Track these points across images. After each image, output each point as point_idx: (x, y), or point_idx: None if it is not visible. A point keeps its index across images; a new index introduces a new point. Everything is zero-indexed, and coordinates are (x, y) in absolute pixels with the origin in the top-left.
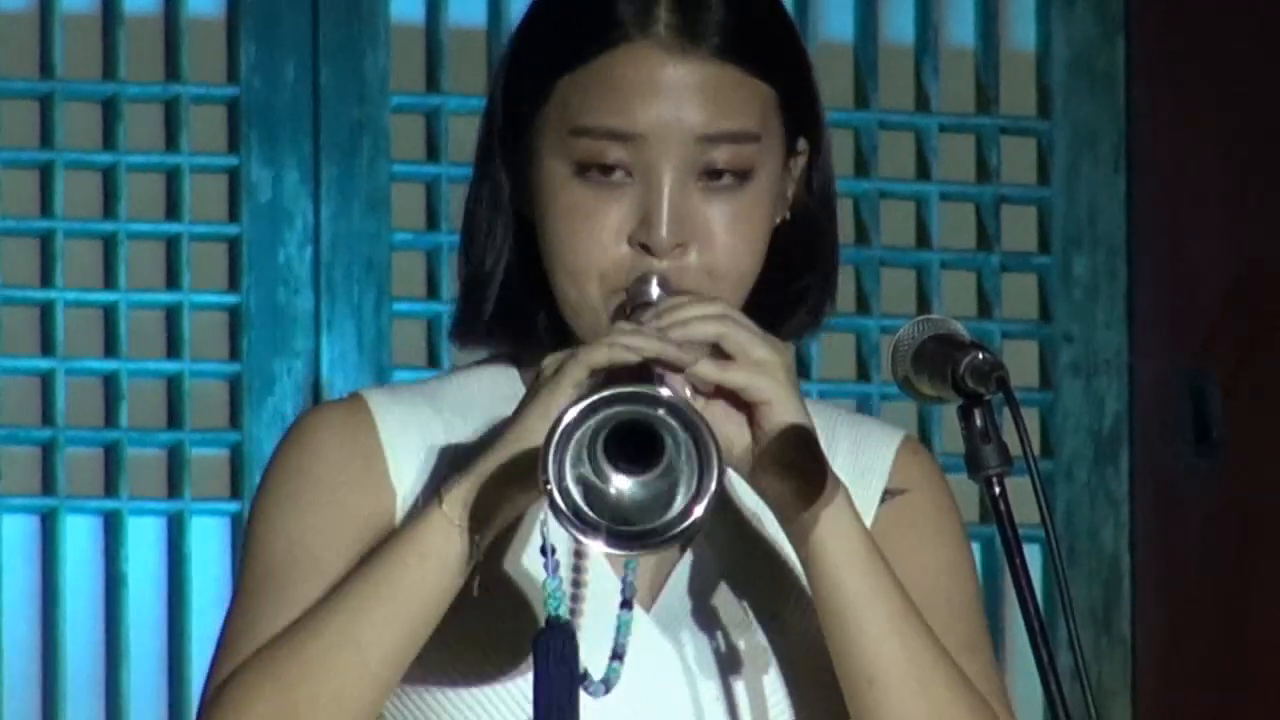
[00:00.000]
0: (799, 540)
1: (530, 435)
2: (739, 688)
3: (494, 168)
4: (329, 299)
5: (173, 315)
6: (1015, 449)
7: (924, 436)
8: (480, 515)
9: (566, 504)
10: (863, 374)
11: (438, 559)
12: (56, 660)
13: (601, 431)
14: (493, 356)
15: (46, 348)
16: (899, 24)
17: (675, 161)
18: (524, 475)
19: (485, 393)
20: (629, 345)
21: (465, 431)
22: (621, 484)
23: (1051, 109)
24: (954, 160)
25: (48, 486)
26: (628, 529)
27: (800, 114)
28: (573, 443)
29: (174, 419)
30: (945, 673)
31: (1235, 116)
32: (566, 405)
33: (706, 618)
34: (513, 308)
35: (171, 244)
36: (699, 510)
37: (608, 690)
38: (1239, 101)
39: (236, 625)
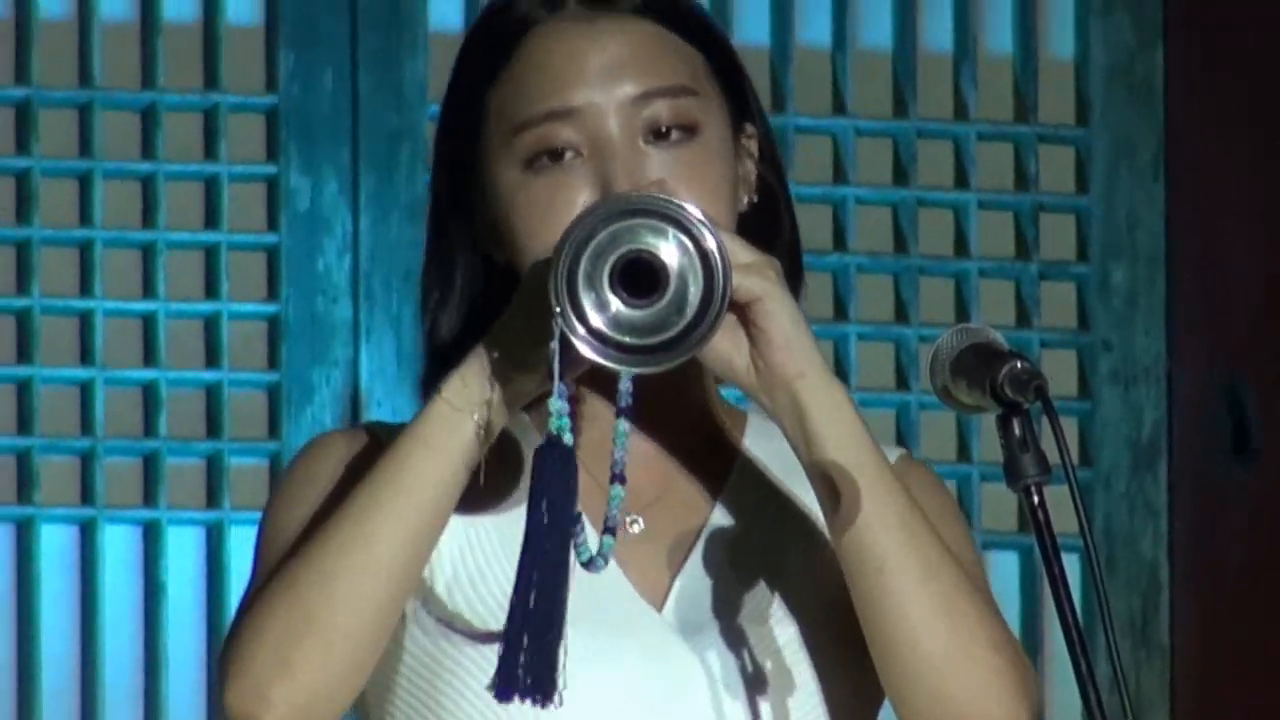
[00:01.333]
0: (807, 447)
1: (523, 317)
2: (767, 682)
3: (447, 223)
4: (368, 308)
5: (211, 325)
6: (1054, 458)
7: (962, 446)
8: (482, 399)
9: (576, 316)
10: (901, 383)
11: (443, 448)
12: (95, 670)
13: (607, 263)
14: None
15: (85, 357)
16: (937, 33)
17: (619, 124)
18: (522, 357)
19: None
20: (616, 198)
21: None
22: (629, 313)
23: (1090, 117)
24: (992, 169)
25: (87, 497)
26: (643, 342)
27: (735, 90)
28: (582, 263)
29: (213, 429)
30: (951, 567)
31: (1274, 124)
32: (568, 228)
33: (725, 611)
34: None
35: (210, 253)
36: (709, 315)
37: (605, 563)
38: (1278, 109)
39: (248, 597)
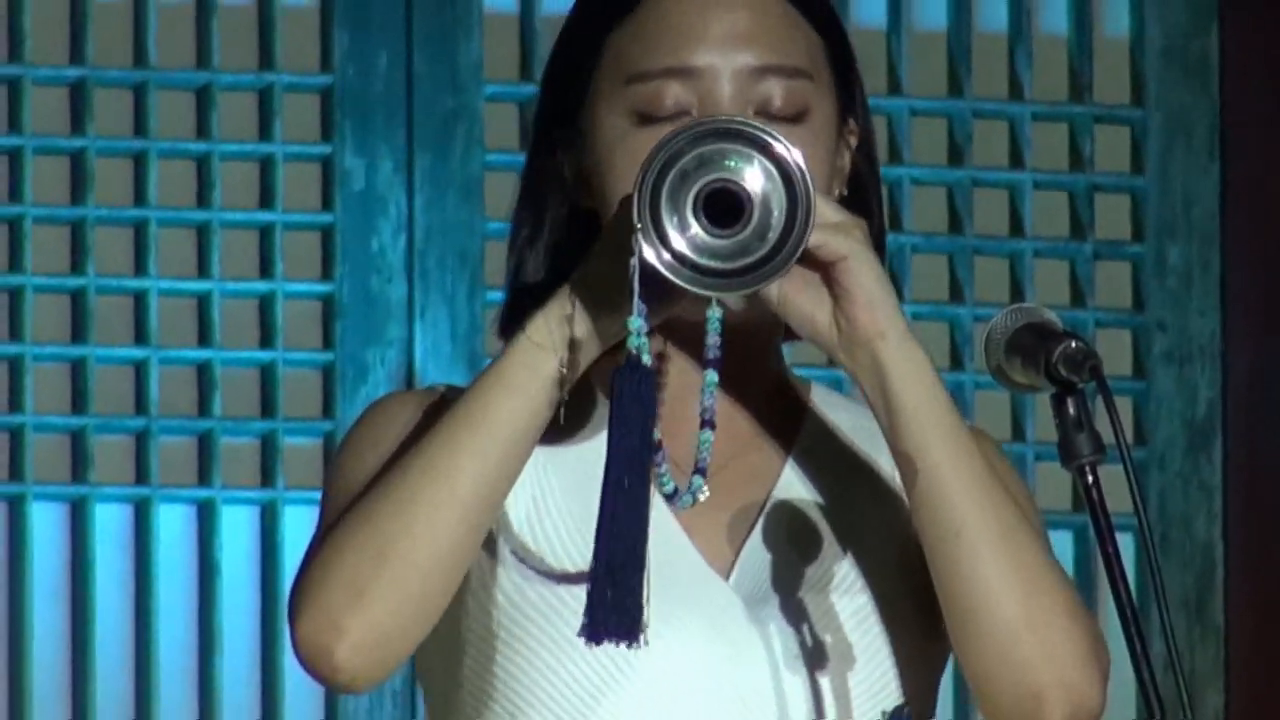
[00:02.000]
0: (886, 406)
1: (608, 257)
2: (829, 652)
3: (545, 160)
4: (422, 288)
5: (266, 304)
6: (1108, 437)
7: (1016, 425)
8: (565, 339)
9: (658, 238)
10: (956, 363)
11: (525, 387)
12: (150, 648)
13: (692, 190)
14: None
15: (140, 337)
16: (992, 12)
17: (732, 92)
18: (605, 297)
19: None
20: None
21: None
22: (709, 240)
23: (1145, 97)
24: (1047, 149)
25: (141, 476)
26: (724, 265)
27: (848, 84)
28: (665, 187)
29: (267, 408)
30: (1028, 532)
31: None
32: (651, 151)
33: (788, 582)
34: None
35: (265, 233)
36: (790, 242)
37: (694, 501)
38: None
39: (319, 535)
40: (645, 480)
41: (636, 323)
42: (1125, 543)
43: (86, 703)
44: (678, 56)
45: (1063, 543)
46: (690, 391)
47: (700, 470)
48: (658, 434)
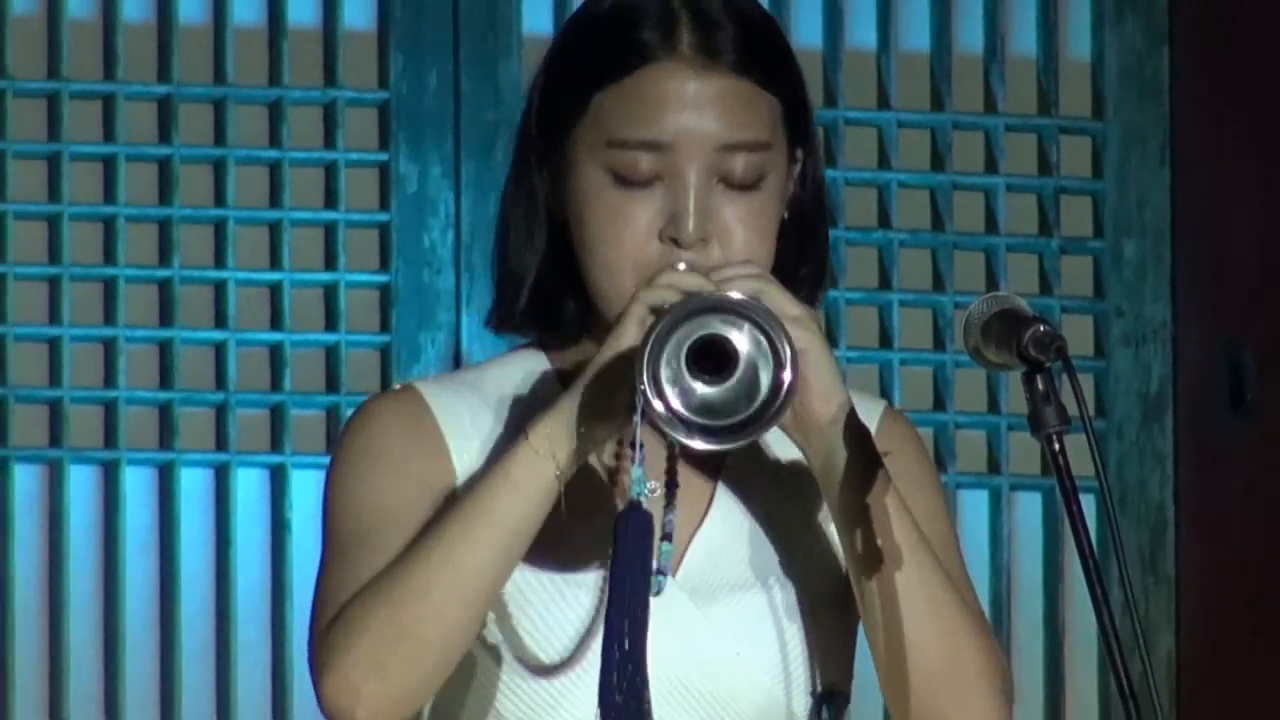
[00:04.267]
0: (830, 484)
1: (605, 374)
2: (765, 639)
3: (530, 176)
4: (468, 278)
5: (330, 293)
6: (1072, 410)
7: (991, 399)
8: (563, 447)
9: (663, 405)
10: (938, 344)
11: (527, 487)
12: (229, 596)
13: (684, 348)
14: (521, 345)
15: (220, 321)
16: (969, 36)
17: (699, 166)
18: (600, 410)
19: (522, 375)
20: (681, 284)
21: (506, 408)
22: (705, 391)
23: (1104, 111)
24: (1018, 156)
25: (221, 443)
26: (719, 423)
27: (799, 124)
28: (664, 355)
29: (331, 384)
30: (954, 595)
31: (1269, 116)
32: (654, 322)
33: (728, 576)
34: (544, 299)
35: (329, 230)
36: (779, 399)
37: (664, 578)
38: (1273, 103)
39: (333, 579)
40: (646, 602)
41: (637, 471)
42: (1088, 503)
43: (174, 645)
44: (653, 131)
45: (1032, 503)
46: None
47: (666, 537)
48: (641, 467)
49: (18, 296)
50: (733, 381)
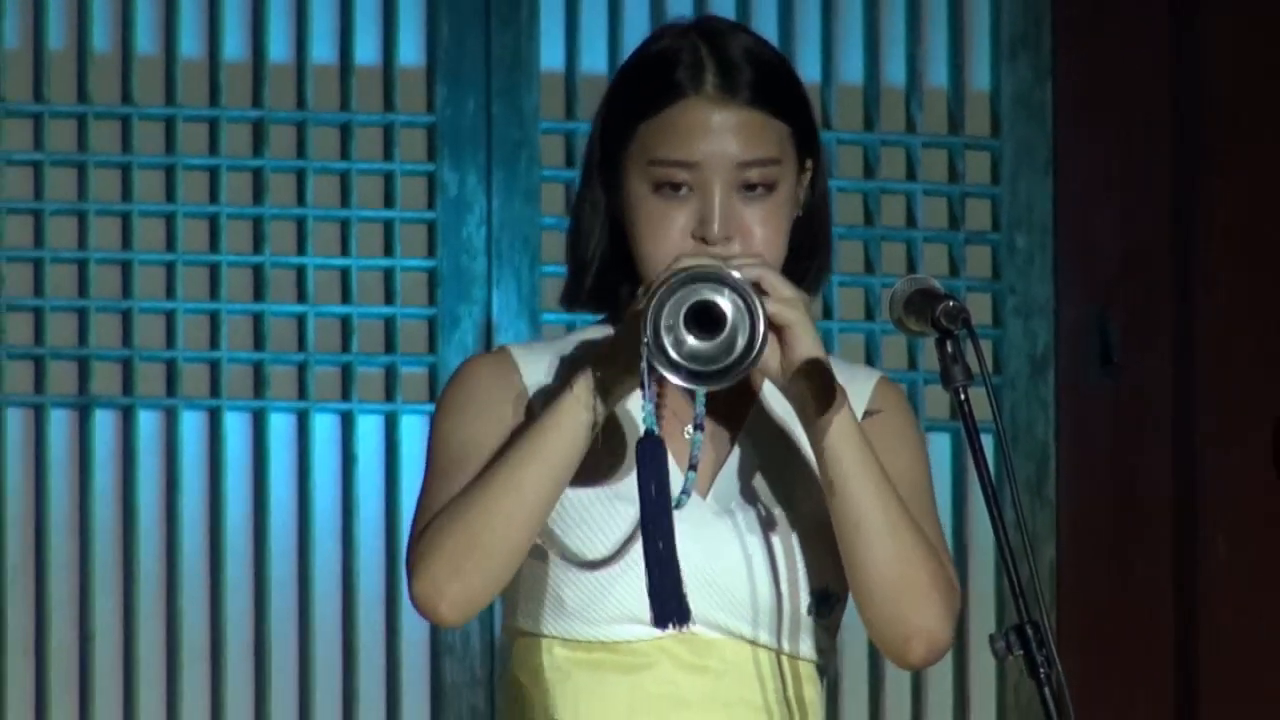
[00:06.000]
0: (814, 432)
1: (630, 338)
2: (775, 547)
3: (594, 186)
4: (498, 264)
5: (389, 275)
6: (975, 369)
7: (911, 360)
8: (598, 395)
9: (659, 351)
10: (869, 316)
11: (570, 427)
12: (309, 515)
13: (682, 309)
14: (599, 320)
15: (302, 297)
16: (894, 71)
17: (722, 179)
18: (625, 365)
19: (595, 342)
20: (697, 263)
21: (576, 367)
22: (695, 344)
23: (1001, 131)
24: (934, 166)
25: (303, 394)
26: (706, 369)
27: (807, 143)
28: (664, 311)
29: (389, 347)
30: (909, 522)
31: (1130, 135)
32: (655, 289)
33: (747, 498)
34: (605, 283)
35: (388, 226)
36: (751, 354)
37: (687, 496)
38: (1132, 124)
39: (426, 500)
40: (669, 508)
41: (647, 406)
42: (987, 442)
43: (265, 552)
44: (684, 153)
45: (943, 442)
46: (682, 414)
47: (693, 466)
48: (651, 403)
49: (141, 279)
50: (718, 339)
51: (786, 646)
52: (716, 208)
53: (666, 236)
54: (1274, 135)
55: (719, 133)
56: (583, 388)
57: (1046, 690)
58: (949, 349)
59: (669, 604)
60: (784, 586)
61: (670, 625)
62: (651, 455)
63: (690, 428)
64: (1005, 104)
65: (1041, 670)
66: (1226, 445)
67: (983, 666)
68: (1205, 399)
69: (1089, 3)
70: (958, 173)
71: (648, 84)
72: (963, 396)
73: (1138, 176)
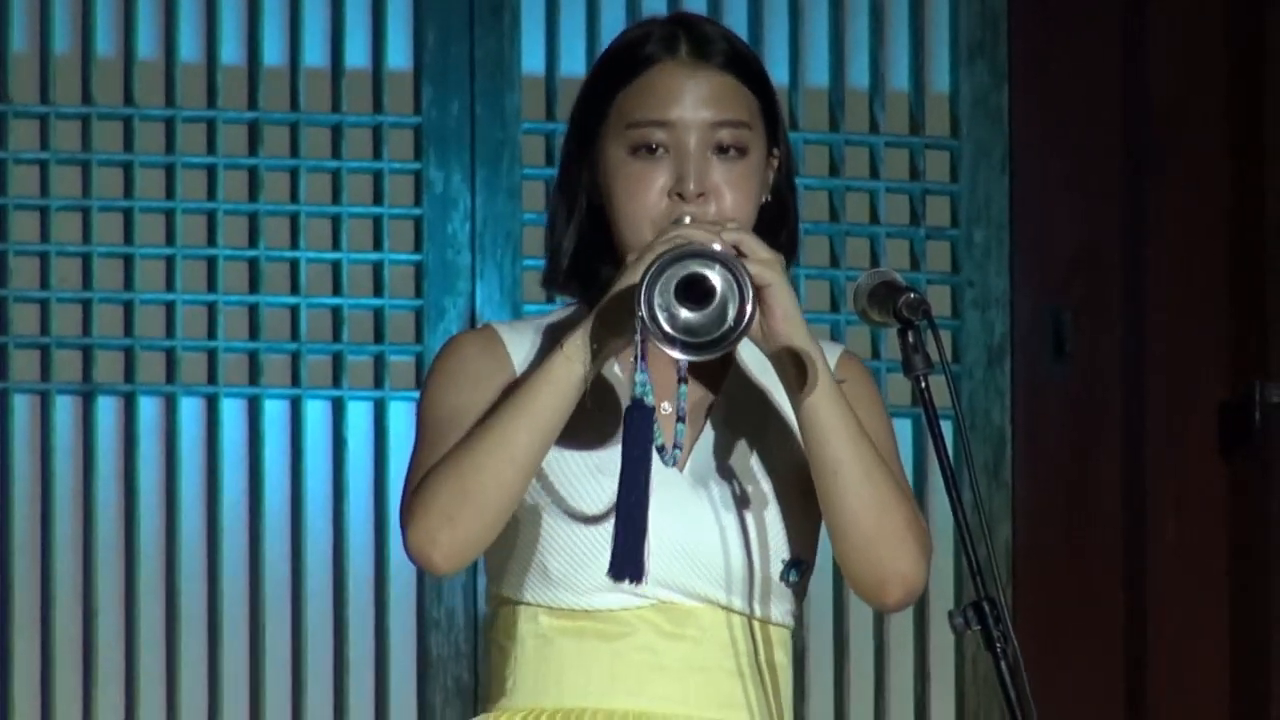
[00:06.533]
0: (790, 385)
1: (619, 299)
2: (748, 516)
3: (571, 175)
4: (481, 258)
5: (378, 268)
6: (935, 358)
7: (875, 349)
8: (587, 354)
9: (654, 324)
10: (834, 308)
11: (561, 383)
12: (301, 495)
13: (673, 283)
14: (573, 303)
15: (295, 289)
16: (858, 74)
17: (696, 139)
18: (615, 327)
19: (572, 322)
20: (684, 235)
21: (555, 341)
22: (688, 316)
23: (960, 132)
24: (896, 165)
25: (295, 381)
26: (696, 340)
27: (773, 127)
28: (657, 287)
29: (378, 337)
30: (884, 471)
31: (1083, 137)
32: (650, 263)
33: (722, 471)
34: (582, 265)
35: (377, 221)
36: (742, 325)
37: (680, 450)
38: (1083, 125)
39: (419, 458)
40: (649, 475)
41: (640, 376)
42: (947, 428)
43: (260, 526)
44: (660, 113)
45: (904, 427)
46: (667, 373)
47: (681, 419)
48: (644, 372)
49: (142, 272)
50: (709, 310)
51: (759, 611)
52: (692, 164)
53: (645, 196)
54: (1218, 137)
55: (693, 93)
56: (574, 346)
57: (1003, 663)
58: (910, 339)
59: (627, 562)
60: (756, 553)
61: (626, 580)
62: (640, 420)
63: (676, 380)
64: (964, 106)
65: (998, 644)
66: (1173, 431)
67: (942, 641)
68: (1153, 388)
69: (1043, 10)
70: (918, 171)
71: (624, 57)
72: (923, 384)
73: (1090, 175)
